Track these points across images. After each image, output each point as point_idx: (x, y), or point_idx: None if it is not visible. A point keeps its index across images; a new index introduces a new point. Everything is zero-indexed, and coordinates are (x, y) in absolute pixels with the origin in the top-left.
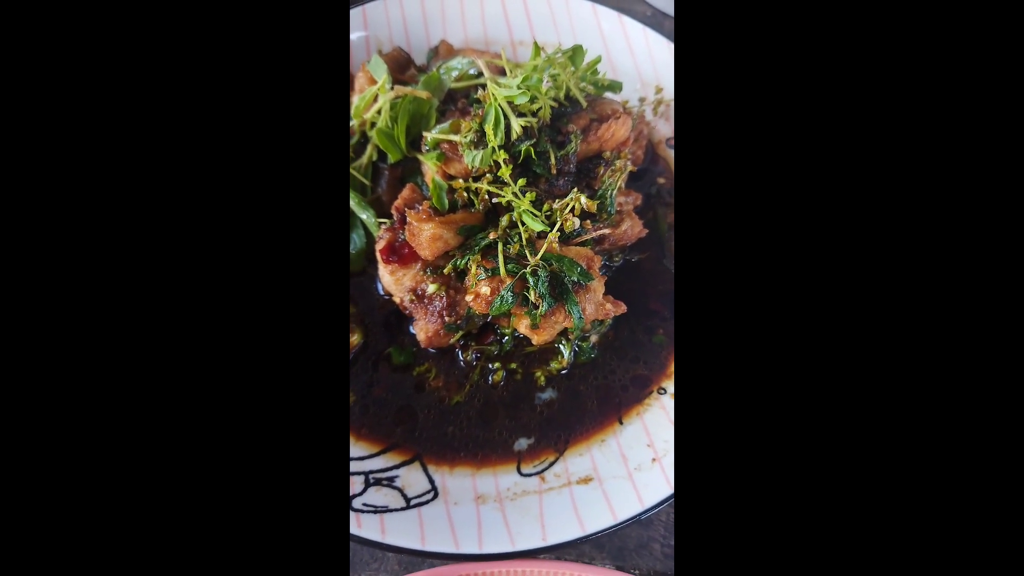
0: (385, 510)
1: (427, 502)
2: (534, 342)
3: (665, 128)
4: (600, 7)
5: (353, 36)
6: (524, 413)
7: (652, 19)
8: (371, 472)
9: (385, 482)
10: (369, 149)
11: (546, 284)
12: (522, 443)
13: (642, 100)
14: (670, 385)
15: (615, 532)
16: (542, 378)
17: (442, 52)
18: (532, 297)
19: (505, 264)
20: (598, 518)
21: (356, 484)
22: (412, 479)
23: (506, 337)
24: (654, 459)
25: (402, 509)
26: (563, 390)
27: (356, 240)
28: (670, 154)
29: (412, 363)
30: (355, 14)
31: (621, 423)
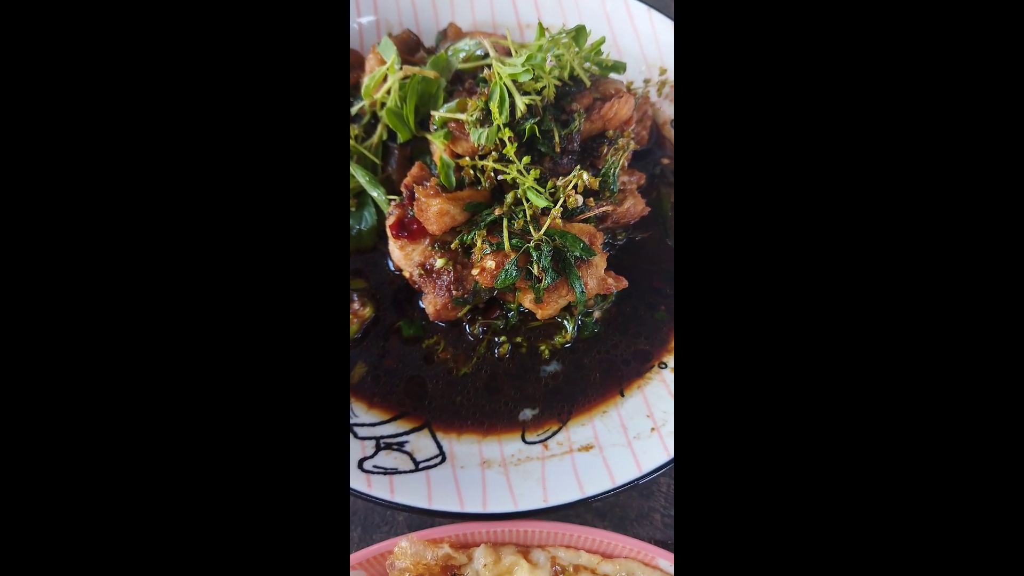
0: (395, 472)
1: (435, 465)
2: (538, 316)
3: (669, 109)
4: None
5: (364, 20)
6: (529, 385)
7: (658, 1)
8: (382, 437)
9: (395, 446)
10: (379, 129)
11: (549, 258)
12: (526, 413)
13: (647, 82)
14: (671, 360)
15: (617, 502)
16: (546, 352)
17: (451, 35)
18: (535, 271)
19: (509, 239)
20: (598, 482)
21: (367, 448)
22: (421, 444)
23: (511, 312)
24: (653, 428)
25: (411, 471)
26: (567, 363)
27: (367, 217)
28: (674, 135)
29: (421, 336)
30: None
31: (622, 395)
